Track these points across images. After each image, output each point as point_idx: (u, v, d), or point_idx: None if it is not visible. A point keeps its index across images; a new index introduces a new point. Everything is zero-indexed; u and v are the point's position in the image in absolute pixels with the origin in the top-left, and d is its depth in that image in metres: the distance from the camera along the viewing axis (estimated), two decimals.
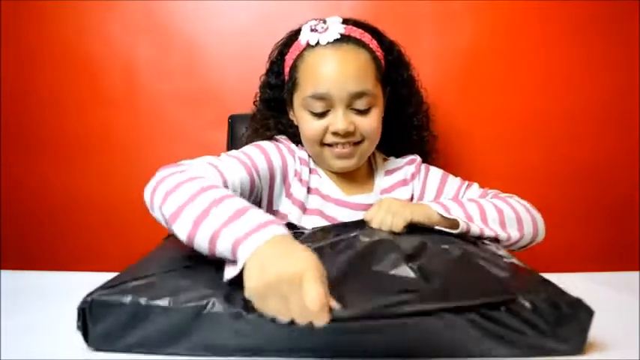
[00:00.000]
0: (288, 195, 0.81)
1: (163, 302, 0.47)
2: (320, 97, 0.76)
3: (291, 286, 0.43)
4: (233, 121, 1.08)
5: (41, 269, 0.81)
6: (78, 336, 0.48)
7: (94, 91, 1.16)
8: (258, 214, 0.52)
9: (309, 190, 0.82)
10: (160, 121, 1.17)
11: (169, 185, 0.59)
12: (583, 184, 1.17)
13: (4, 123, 1.18)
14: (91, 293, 0.48)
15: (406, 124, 0.91)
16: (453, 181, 0.88)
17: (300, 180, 0.82)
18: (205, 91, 1.16)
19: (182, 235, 0.55)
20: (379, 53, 0.82)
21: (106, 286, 0.49)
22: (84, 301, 0.47)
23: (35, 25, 1.14)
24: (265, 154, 0.79)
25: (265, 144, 0.81)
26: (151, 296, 0.47)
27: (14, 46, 1.15)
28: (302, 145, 0.86)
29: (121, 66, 1.16)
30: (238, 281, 0.47)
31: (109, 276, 0.53)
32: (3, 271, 0.77)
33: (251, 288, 0.45)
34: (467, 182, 0.88)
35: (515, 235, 0.74)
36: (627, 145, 1.16)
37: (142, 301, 0.47)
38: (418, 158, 0.89)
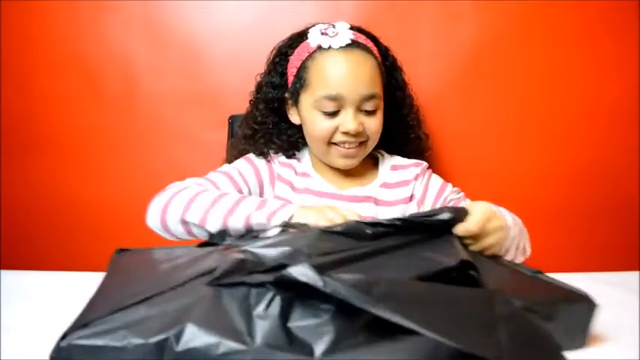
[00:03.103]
0: (276, 197, 0.88)
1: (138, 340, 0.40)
2: (333, 98, 0.80)
3: (333, 210, 0.67)
4: (233, 121, 1.08)
5: (41, 269, 0.81)
6: None
7: (94, 91, 1.16)
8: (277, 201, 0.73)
9: (295, 189, 0.88)
10: (159, 122, 1.17)
11: (184, 200, 0.74)
12: (583, 184, 1.17)
13: (3, 124, 1.18)
14: (63, 337, 0.42)
15: (402, 124, 0.95)
16: (451, 192, 0.92)
17: (283, 180, 0.88)
18: (205, 91, 1.15)
19: (213, 227, 0.71)
20: (380, 59, 0.86)
21: (78, 326, 0.43)
22: (57, 349, 0.42)
23: (33, 26, 1.14)
24: (254, 167, 0.88)
25: (253, 157, 0.90)
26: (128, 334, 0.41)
27: (12, 46, 1.15)
28: (299, 144, 0.91)
29: (120, 66, 1.15)
30: None
31: None
32: (3, 271, 0.77)
33: (310, 214, 0.67)
34: (462, 193, 0.92)
35: (529, 250, 0.79)
36: (627, 145, 1.16)
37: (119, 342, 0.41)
38: (425, 163, 0.93)
